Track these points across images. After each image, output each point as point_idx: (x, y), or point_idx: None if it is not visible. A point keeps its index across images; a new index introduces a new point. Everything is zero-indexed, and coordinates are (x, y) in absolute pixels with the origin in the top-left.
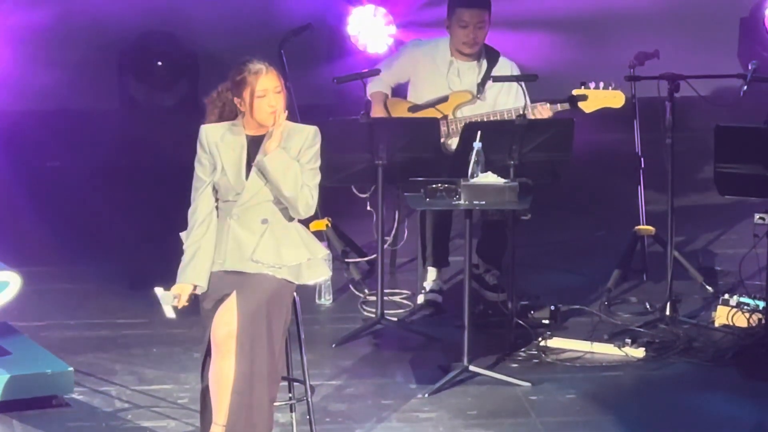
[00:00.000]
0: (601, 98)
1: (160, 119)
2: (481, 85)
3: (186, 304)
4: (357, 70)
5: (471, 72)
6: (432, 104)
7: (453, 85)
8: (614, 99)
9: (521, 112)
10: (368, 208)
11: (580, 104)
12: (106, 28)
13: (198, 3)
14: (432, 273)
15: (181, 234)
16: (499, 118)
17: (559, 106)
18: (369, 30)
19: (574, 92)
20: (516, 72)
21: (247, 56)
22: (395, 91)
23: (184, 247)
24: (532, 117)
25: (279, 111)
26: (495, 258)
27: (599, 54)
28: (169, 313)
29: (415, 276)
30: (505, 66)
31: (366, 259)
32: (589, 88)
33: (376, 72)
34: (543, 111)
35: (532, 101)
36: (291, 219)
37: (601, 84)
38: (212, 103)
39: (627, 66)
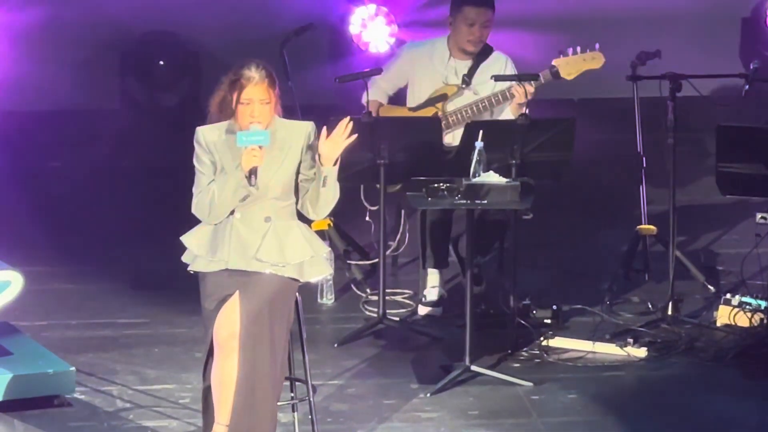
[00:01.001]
0: (580, 62)
1: (161, 119)
2: (468, 76)
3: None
4: (359, 70)
5: (467, 69)
6: (427, 104)
7: (449, 83)
8: (593, 61)
9: (505, 92)
10: (367, 219)
11: (562, 72)
12: (108, 28)
13: (200, 2)
14: (432, 277)
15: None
16: (485, 104)
17: (541, 78)
18: (371, 29)
19: (554, 62)
20: (510, 64)
21: (253, 59)
22: (395, 98)
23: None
24: (516, 95)
25: (263, 122)
26: (481, 248)
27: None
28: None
29: (416, 276)
30: (498, 60)
31: (369, 263)
32: (567, 54)
33: (378, 71)
34: (522, 90)
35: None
36: (293, 216)
37: (578, 48)
38: (225, 82)
39: (629, 65)
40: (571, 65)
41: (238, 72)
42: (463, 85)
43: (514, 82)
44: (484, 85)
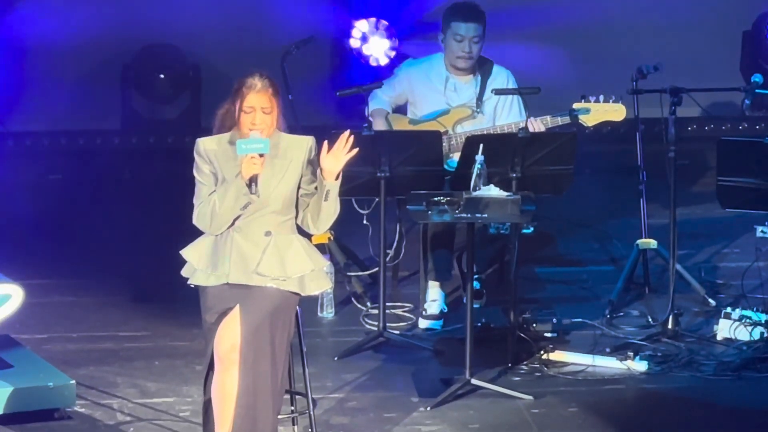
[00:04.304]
0: (601, 112)
1: (162, 132)
2: (479, 100)
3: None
4: (359, 83)
5: (468, 87)
6: (432, 118)
7: (451, 102)
8: (615, 112)
9: (521, 127)
10: (365, 222)
11: (581, 118)
12: (109, 41)
13: (200, 16)
14: (433, 290)
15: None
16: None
17: (560, 120)
18: (371, 43)
19: (575, 106)
20: (512, 79)
21: (256, 69)
22: (397, 111)
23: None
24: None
25: (265, 130)
26: (480, 263)
27: (601, 67)
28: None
29: (416, 289)
30: (500, 74)
31: (368, 272)
32: (589, 101)
33: (378, 85)
34: (536, 125)
35: (534, 115)
36: (293, 231)
37: (602, 97)
38: (231, 97)
39: (629, 79)
40: (591, 113)
41: (240, 82)
42: (478, 111)
43: (530, 118)
44: (488, 102)
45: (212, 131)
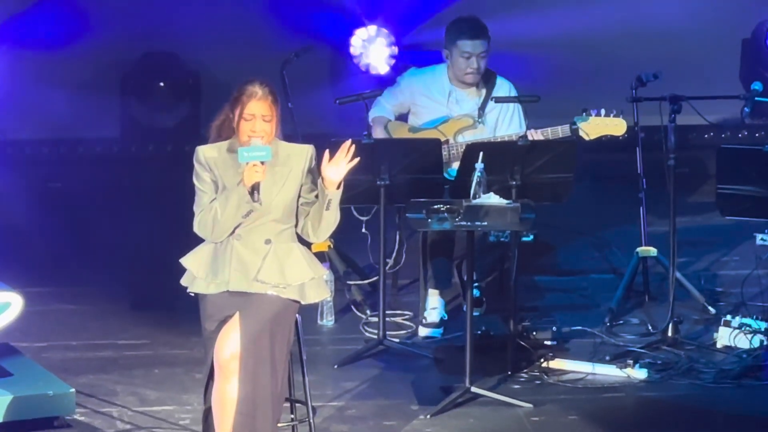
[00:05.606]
0: (602, 125)
1: (161, 140)
2: (482, 110)
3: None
4: (359, 91)
5: (471, 99)
6: (433, 127)
7: (453, 113)
8: (616, 127)
9: (521, 136)
10: (363, 230)
11: (582, 131)
12: (108, 49)
13: (200, 23)
14: (433, 298)
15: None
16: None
17: (560, 132)
18: (372, 51)
19: (576, 118)
20: (513, 91)
21: (256, 77)
22: (399, 118)
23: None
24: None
25: (264, 138)
26: (480, 271)
27: (601, 76)
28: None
29: (416, 297)
30: (503, 86)
31: (368, 281)
32: (590, 114)
33: (378, 93)
34: (536, 136)
35: (534, 123)
36: (293, 239)
37: (603, 111)
38: (227, 105)
39: (629, 87)
40: (592, 126)
41: (240, 89)
42: (479, 121)
43: (531, 129)
44: (490, 113)
45: (208, 142)
